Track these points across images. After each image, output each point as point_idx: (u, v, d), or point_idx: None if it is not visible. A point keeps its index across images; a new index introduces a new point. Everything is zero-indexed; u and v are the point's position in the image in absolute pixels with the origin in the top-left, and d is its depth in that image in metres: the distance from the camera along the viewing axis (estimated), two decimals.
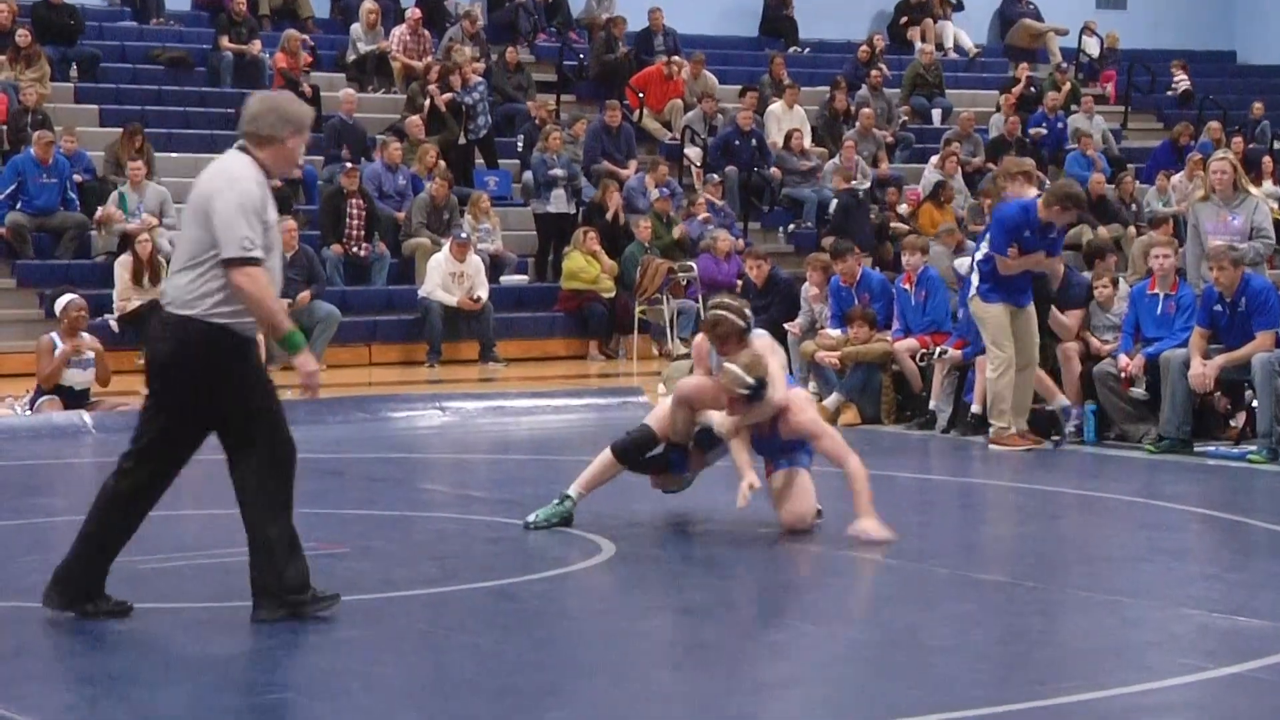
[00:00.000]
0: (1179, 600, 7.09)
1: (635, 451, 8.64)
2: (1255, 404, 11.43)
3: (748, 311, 8.52)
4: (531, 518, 8.57)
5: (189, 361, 6.43)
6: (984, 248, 11.81)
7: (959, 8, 27.37)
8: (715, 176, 20.67)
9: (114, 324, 16.18)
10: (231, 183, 6.45)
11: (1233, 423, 11.99)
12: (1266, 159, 22.84)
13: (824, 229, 20.44)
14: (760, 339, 8.48)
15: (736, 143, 21.71)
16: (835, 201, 20.58)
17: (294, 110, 6.65)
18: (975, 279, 11.82)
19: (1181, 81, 26.89)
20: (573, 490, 8.64)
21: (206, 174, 6.60)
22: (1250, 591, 7.32)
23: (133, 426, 6.72)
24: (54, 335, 13.16)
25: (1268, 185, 21.45)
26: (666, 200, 19.79)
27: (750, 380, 8.14)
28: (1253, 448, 11.22)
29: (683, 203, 20.31)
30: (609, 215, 19.44)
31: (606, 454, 8.66)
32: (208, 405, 6.50)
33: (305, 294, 16.83)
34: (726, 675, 5.99)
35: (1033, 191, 12.41)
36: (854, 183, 20.70)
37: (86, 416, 12.70)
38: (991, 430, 11.76)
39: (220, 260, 6.35)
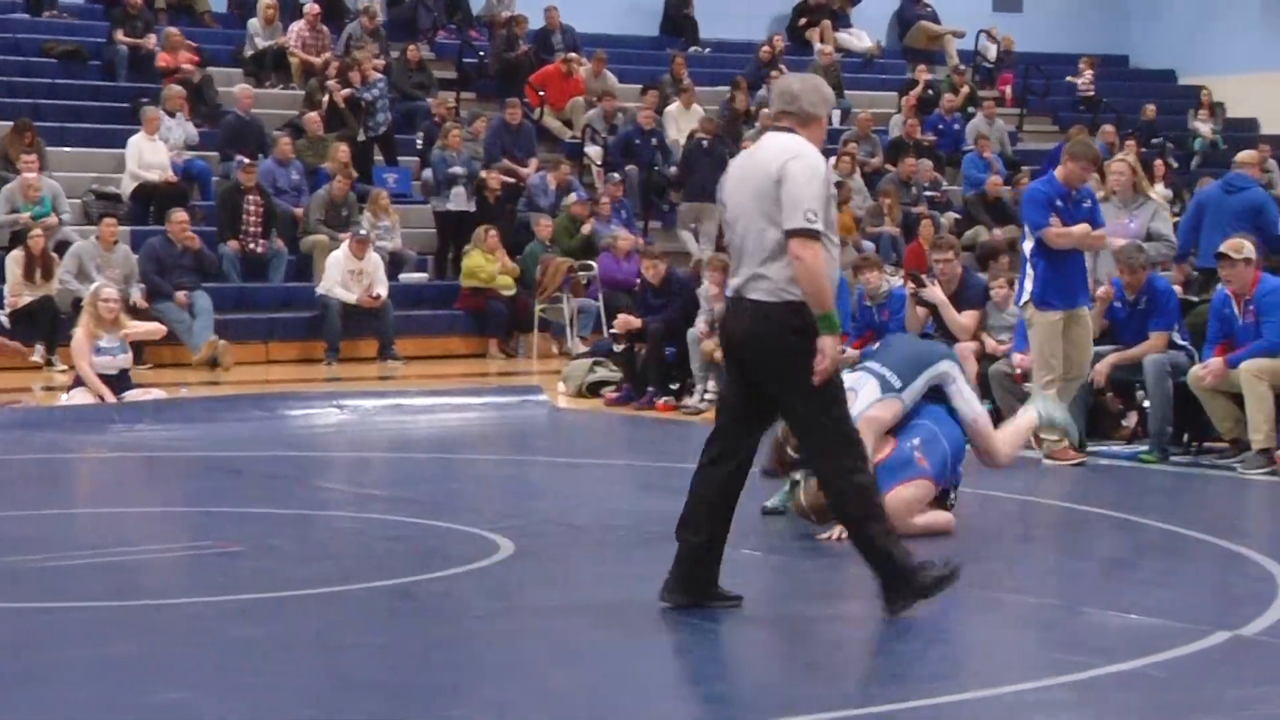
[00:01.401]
0: (1072, 598, 7.17)
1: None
2: (1147, 404, 11.60)
3: None
4: (770, 503, 8.52)
5: (786, 344, 6.41)
6: (1028, 244, 11.11)
7: (855, 1, 27.55)
8: (616, 176, 20.69)
9: (5, 320, 15.97)
10: (800, 156, 6.42)
11: (1125, 423, 12.15)
12: (1159, 162, 23.16)
13: (678, 179, 20.94)
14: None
15: (637, 142, 21.74)
16: (683, 149, 20.79)
17: (828, 91, 6.74)
18: (1028, 283, 11.04)
19: (1087, 86, 27.16)
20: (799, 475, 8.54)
21: (763, 158, 6.52)
22: (1142, 589, 7.42)
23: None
24: None
25: (1159, 188, 21.74)
26: (583, 205, 19.79)
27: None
28: (1144, 447, 11.38)
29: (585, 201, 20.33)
30: (487, 192, 19.53)
31: None
32: (789, 384, 6.46)
33: (180, 295, 16.73)
34: (626, 674, 6.00)
35: None
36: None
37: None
38: (1044, 445, 11.06)
39: (785, 230, 6.33)
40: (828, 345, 6.38)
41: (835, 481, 6.56)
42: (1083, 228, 10.94)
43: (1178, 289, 13.37)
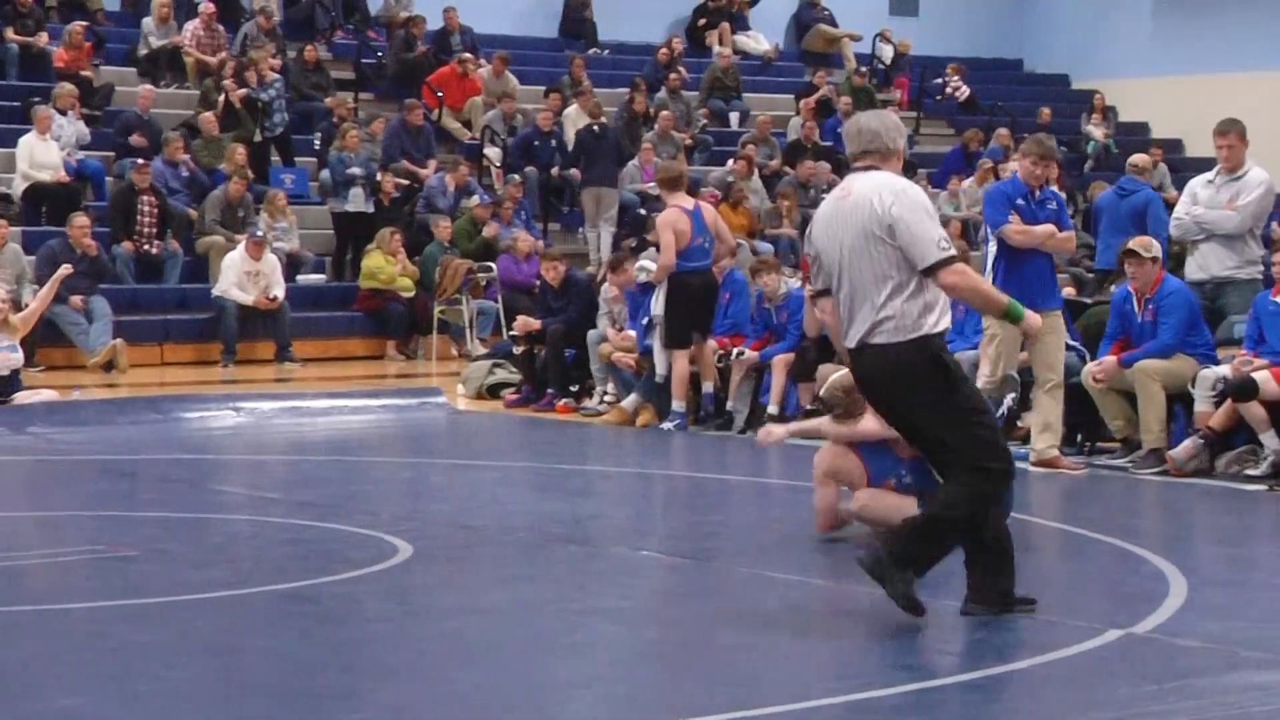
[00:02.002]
0: (947, 597, 7.22)
1: None
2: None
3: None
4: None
5: (921, 379, 6.44)
6: (992, 248, 10.76)
7: (755, 2, 27.65)
8: (516, 177, 20.67)
9: None
10: (901, 193, 6.43)
11: (1020, 423, 12.24)
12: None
13: (568, 165, 21.20)
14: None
15: (536, 143, 21.72)
16: (575, 138, 21.04)
17: (901, 124, 6.81)
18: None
19: (960, 89, 27.46)
20: None
21: (860, 200, 6.49)
22: (1037, 589, 7.44)
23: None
24: None
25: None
26: (487, 208, 19.74)
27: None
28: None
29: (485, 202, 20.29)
30: (381, 194, 19.52)
31: None
32: (931, 414, 6.54)
33: (76, 299, 16.54)
34: (525, 675, 6.00)
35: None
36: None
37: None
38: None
39: (922, 270, 6.37)
40: (1030, 325, 6.99)
41: (965, 486, 6.56)
42: (1046, 228, 10.62)
43: (1071, 291, 13.54)
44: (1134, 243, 11.15)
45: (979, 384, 10.56)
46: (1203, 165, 16.43)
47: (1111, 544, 8.45)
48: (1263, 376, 10.46)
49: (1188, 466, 10.67)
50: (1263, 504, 9.95)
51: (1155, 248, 11.09)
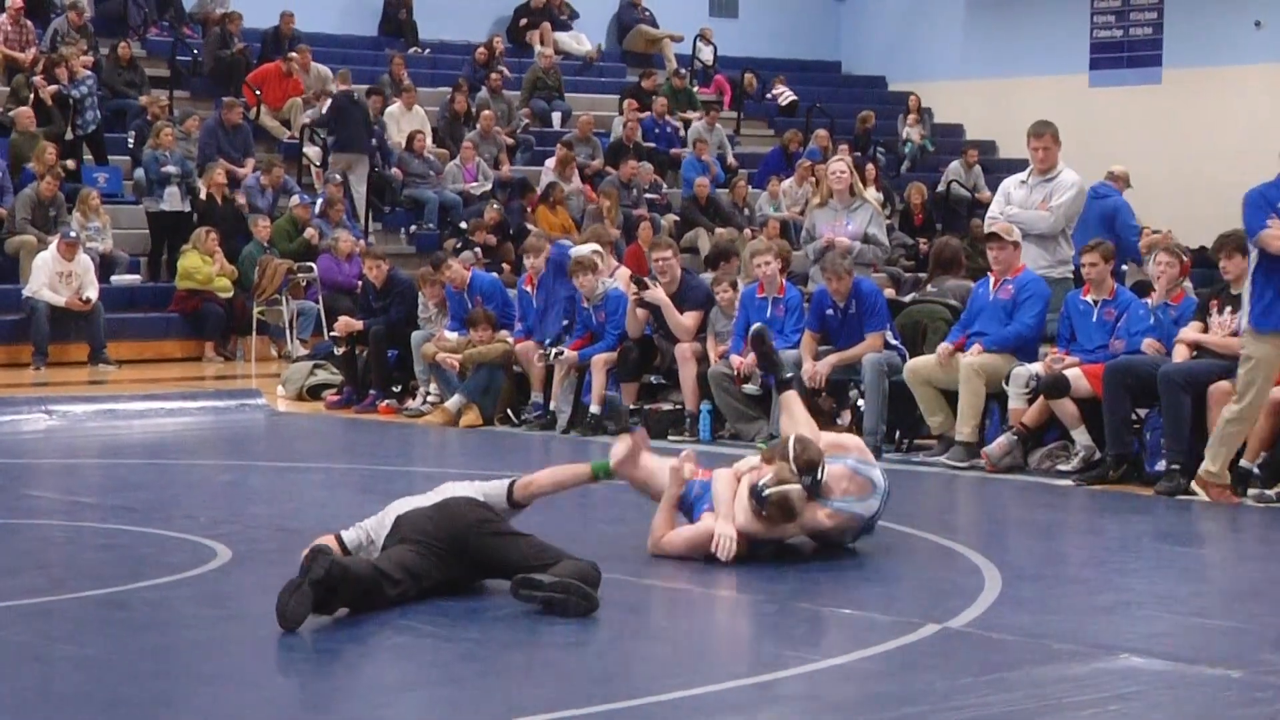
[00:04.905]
0: (788, 594, 7.29)
1: None
2: (861, 403, 11.87)
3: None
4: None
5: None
6: (1253, 257, 9.47)
7: (575, 15, 27.67)
8: (336, 176, 20.48)
9: None
10: None
11: (839, 421, 12.41)
12: (870, 166, 23.74)
13: (323, 133, 21.37)
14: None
15: None
16: (330, 101, 21.21)
17: None
18: (1247, 303, 9.49)
19: (784, 94, 27.72)
20: None
21: None
22: (855, 584, 7.59)
23: None
24: None
25: (870, 191, 22.29)
26: (306, 208, 19.49)
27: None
28: None
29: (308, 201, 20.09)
30: (208, 193, 19.23)
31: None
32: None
33: None
34: (347, 678, 5.94)
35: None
36: (470, 186, 20.95)
37: None
38: (1202, 470, 9.74)
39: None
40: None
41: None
42: None
43: (890, 292, 13.72)
44: (997, 227, 11.41)
45: (1227, 413, 9.54)
46: (1015, 166, 16.77)
47: (928, 539, 8.59)
48: (1074, 374, 10.69)
49: (1002, 462, 10.88)
50: (1073, 499, 10.16)
51: (1016, 233, 11.35)
